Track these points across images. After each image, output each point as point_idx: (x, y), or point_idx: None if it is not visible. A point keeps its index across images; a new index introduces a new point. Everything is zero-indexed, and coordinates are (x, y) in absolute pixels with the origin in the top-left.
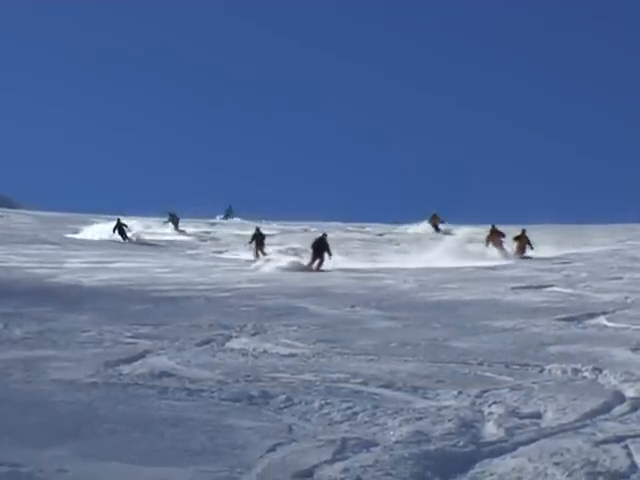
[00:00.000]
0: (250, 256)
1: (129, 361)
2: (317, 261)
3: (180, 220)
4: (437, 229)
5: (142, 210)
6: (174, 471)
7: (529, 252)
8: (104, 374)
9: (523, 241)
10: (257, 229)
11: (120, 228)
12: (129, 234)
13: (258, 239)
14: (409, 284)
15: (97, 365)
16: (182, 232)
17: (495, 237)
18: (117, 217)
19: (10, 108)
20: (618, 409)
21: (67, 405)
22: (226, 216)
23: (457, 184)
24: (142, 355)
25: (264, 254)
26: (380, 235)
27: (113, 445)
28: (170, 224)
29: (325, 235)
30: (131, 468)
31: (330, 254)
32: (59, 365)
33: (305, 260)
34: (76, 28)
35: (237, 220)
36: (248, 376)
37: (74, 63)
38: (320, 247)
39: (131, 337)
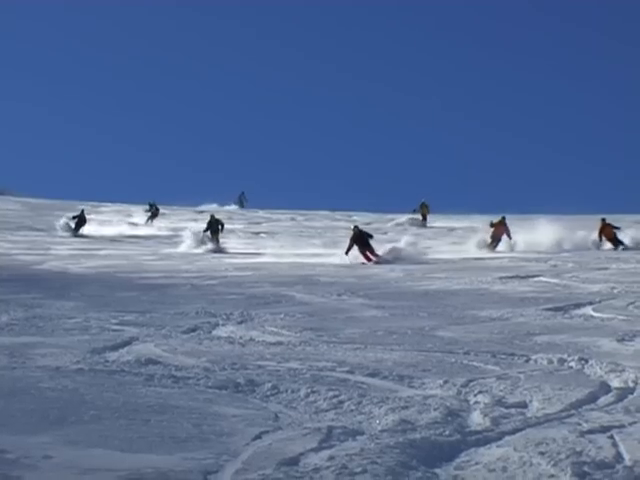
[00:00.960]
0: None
1: (115, 348)
2: (366, 254)
3: (159, 212)
4: (425, 218)
5: (130, 197)
6: (160, 458)
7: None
8: (90, 361)
9: (609, 231)
10: (212, 216)
11: (80, 220)
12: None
13: (213, 227)
14: (396, 273)
15: (83, 352)
16: (150, 224)
17: (607, 230)
18: (82, 208)
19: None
20: (604, 399)
21: (53, 392)
22: (240, 203)
23: (447, 174)
24: (128, 342)
25: (218, 241)
26: (367, 224)
27: (99, 432)
28: (147, 215)
29: (356, 227)
30: (117, 455)
31: (370, 236)
32: (45, 352)
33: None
34: (62, 20)
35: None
36: (234, 364)
37: (65, 49)
38: (361, 239)
39: (117, 324)
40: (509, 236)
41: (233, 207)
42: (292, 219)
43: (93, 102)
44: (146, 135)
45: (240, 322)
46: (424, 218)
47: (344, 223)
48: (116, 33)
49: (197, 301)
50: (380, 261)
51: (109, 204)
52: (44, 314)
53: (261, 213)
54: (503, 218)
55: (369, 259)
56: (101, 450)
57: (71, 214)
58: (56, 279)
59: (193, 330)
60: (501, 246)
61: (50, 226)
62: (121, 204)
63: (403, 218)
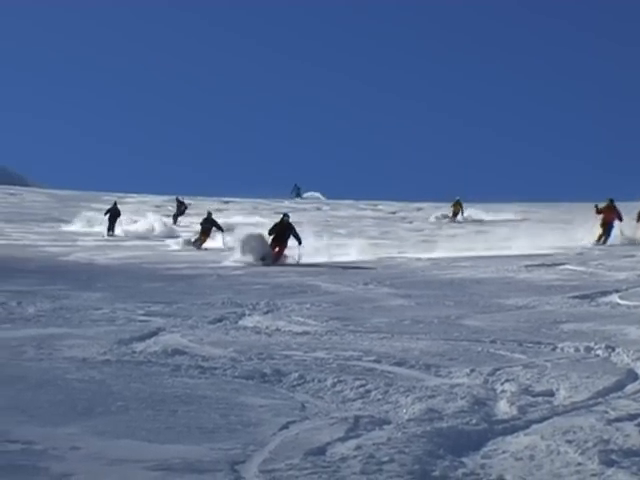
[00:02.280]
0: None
1: (142, 339)
2: (276, 249)
3: (187, 210)
4: (455, 215)
5: (154, 188)
6: (187, 449)
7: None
8: (117, 352)
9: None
10: (209, 213)
11: (113, 215)
12: (118, 228)
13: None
14: (422, 262)
15: (110, 343)
16: (176, 224)
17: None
18: (114, 200)
19: (22, 89)
20: (631, 387)
21: (80, 383)
22: (297, 195)
23: (472, 162)
24: (155, 333)
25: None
26: (393, 213)
27: (126, 422)
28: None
29: (286, 216)
30: (144, 446)
31: (298, 239)
32: (72, 343)
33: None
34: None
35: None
36: (261, 354)
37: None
38: (282, 232)
39: (144, 315)
40: (620, 219)
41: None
42: (317, 209)
43: (120, 94)
44: (172, 127)
45: (266, 312)
46: (454, 215)
47: (370, 212)
48: (149, 28)
49: (223, 291)
50: (279, 262)
51: (135, 195)
52: (71, 305)
53: (287, 203)
54: (611, 201)
55: (277, 255)
56: (128, 441)
57: (97, 205)
58: (82, 270)
59: (219, 320)
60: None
61: (77, 218)
62: (147, 195)
63: (436, 214)
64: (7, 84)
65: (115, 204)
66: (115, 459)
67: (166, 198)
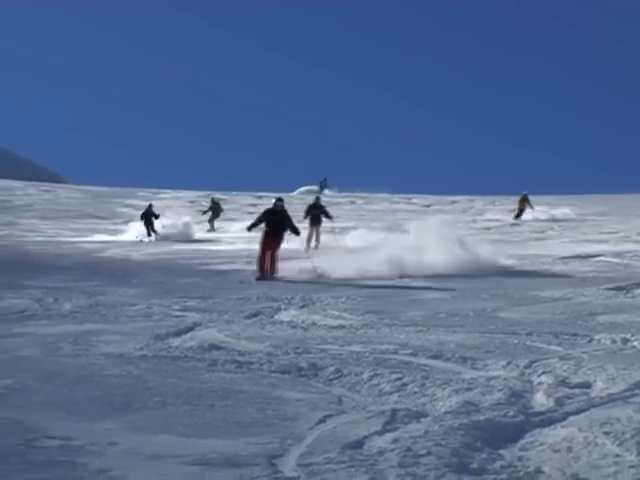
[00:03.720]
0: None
1: (178, 334)
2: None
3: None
4: (520, 214)
5: (189, 184)
6: (224, 443)
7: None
8: (153, 347)
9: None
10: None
11: (148, 218)
12: (157, 225)
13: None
14: None
15: (146, 338)
16: (212, 227)
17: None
18: (149, 202)
19: (57, 89)
20: None
21: (117, 378)
22: (321, 188)
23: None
24: (191, 328)
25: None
26: (427, 206)
27: (163, 418)
28: (208, 214)
29: (280, 201)
30: (181, 440)
31: (296, 231)
32: (109, 338)
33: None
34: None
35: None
36: (297, 348)
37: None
38: (275, 224)
39: (180, 310)
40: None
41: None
42: (352, 202)
43: (154, 91)
44: (206, 122)
45: (302, 306)
46: (519, 214)
47: (404, 206)
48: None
49: (258, 286)
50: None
51: (169, 190)
52: (107, 301)
53: (322, 197)
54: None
55: (265, 261)
56: (166, 436)
57: (131, 201)
58: (118, 266)
59: (255, 315)
60: None
61: (112, 214)
62: (181, 190)
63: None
64: (42, 85)
65: (150, 206)
66: (153, 454)
67: (200, 194)
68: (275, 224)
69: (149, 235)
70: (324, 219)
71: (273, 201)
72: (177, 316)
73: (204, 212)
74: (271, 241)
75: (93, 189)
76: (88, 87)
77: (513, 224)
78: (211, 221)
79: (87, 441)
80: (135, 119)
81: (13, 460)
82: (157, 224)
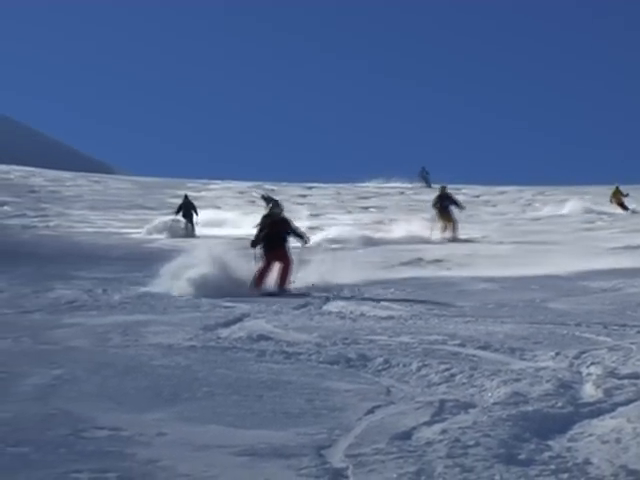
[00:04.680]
0: None
1: (227, 325)
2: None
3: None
4: (623, 206)
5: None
6: (273, 434)
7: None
8: (202, 338)
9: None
10: (185, 197)
11: (187, 209)
12: (196, 220)
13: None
14: (505, 245)
15: (195, 329)
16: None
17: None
18: (185, 193)
19: (102, 80)
20: None
21: (166, 369)
22: (425, 180)
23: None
24: (240, 319)
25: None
26: (476, 197)
27: (212, 408)
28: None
29: (276, 207)
30: (230, 431)
31: (301, 237)
32: (157, 329)
33: None
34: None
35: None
36: (346, 339)
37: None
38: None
39: (228, 301)
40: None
41: (417, 185)
42: (401, 193)
43: (202, 81)
44: (254, 113)
45: (350, 297)
46: (622, 207)
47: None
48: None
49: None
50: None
51: (218, 181)
52: (156, 292)
53: (370, 187)
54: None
55: (261, 277)
56: (214, 426)
57: (181, 192)
58: (167, 257)
59: (304, 306)
60: None
61: (162, 205)
62: (231, 181)
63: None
64: (90, 78)
65: (186, 197)
66: (201, 445)
67: (250, 184)
68: (275, 235)
69: (185, 229)
70: (453, 208)
71: (268, 205)
72: (226, 307)
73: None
74: (275, 254)
75: (143, 180)
76: (137, 79)
77: (631, 213)
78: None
79: (136, 431)
80: (184, 110)
81: (62, 451)
82: (196, 219)
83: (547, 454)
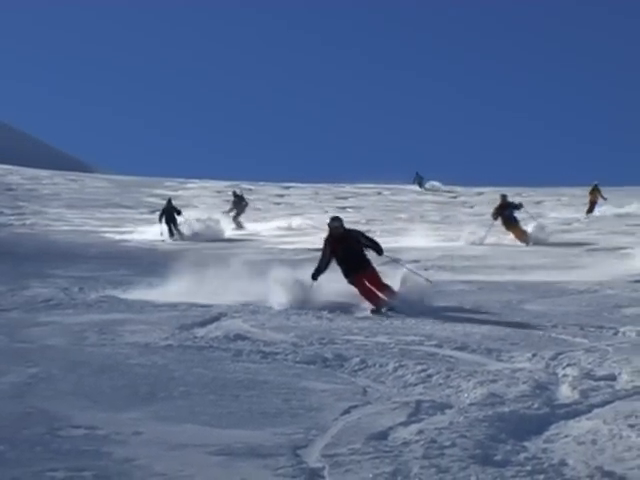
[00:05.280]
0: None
1: (204, 324)
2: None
3: (248, 206)
4: (592, 207)
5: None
6: (249, 433)
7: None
8: (179, 337)
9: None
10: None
11: (170, 215)
12: (181, 221)
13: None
14: (483, 247)
15: (172, 328)
16: (238, 224)
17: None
18: (168, 197)
19: (80, 76)
20: None
21: (142, 368)
22: (420, 184)
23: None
24: (217, 318)
25: (179, 231)
26: (454, 198)
27: (188, 407)
28: (232, 212)
29: (336, 221)
30: (206, 430)
31: (377, 247)
32: (134, 328)
33: None
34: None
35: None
36: (322, 339)
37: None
38: (348, 251)
39: (205, 300)
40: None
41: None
42: (378, 193)
43: (180, 82)
44: (231, 112)
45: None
46: (592, 207)
47: (430, 197)
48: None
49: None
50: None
51: (196, 180)
52: (133, 291)
53: (348, 188)
54: None
55: (371, 294)
56: (191, 425)
57: (158, 191)
58: (144, 256)
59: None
60: None
61: (139, 204)
62: (208, 180)
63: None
64: (68, 73)
65: (169, 201)
66: (178, 444)
67: (227, 184)
68: (349, 254)
69: (172, 235)
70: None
71: (326, 222)
72: (203, 306)
73: (227, 211)
74: (360, 272)
75: (120, 178)
76: (116, 78)
77: (585, 220)
78: (236, 218)
79: (112, 430)
80: (162, 108)
81: (38, 449)
82: (180, 220)
83: (523, 455)
